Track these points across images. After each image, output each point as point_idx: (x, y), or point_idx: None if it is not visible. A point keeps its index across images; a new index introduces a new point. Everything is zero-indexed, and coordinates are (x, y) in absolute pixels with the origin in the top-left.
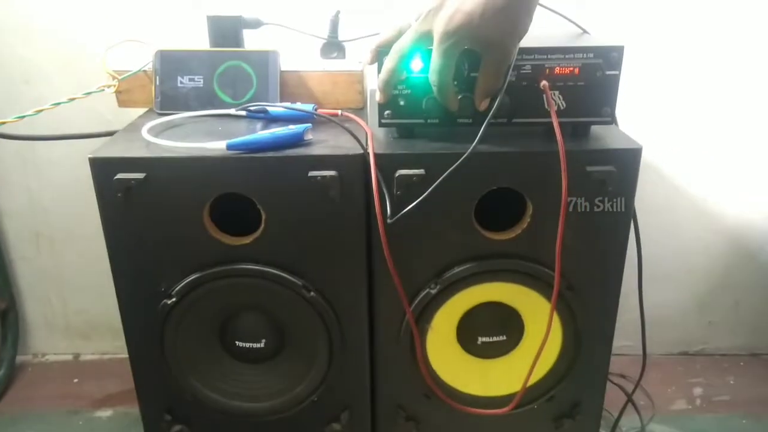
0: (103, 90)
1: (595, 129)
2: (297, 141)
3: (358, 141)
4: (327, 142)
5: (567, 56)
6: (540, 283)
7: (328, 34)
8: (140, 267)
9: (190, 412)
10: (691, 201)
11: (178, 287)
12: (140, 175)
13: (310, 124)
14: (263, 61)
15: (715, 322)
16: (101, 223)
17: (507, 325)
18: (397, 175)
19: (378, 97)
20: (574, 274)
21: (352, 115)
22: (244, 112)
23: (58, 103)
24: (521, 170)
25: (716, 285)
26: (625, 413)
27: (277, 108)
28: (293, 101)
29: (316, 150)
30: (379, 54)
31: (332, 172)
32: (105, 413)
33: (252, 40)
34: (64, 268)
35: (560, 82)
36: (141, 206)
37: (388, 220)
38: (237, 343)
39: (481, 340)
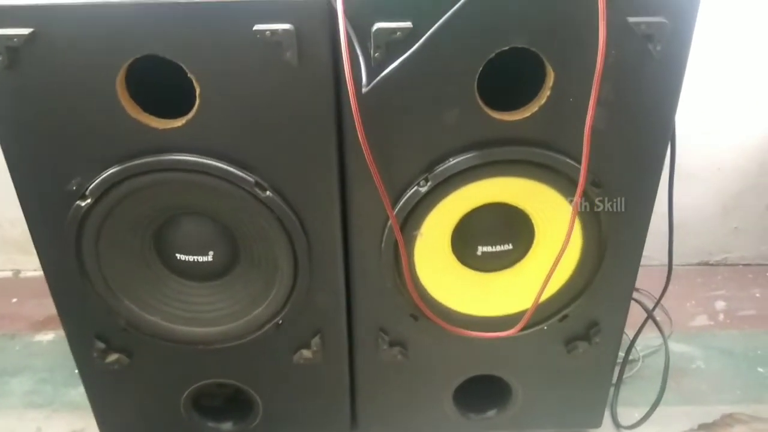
0: None
1: None
2: None
3: None
4: None
5: None
6: (558, 178)
7: None
8: (42, 158)
9: (128, 338)
10: (728, 88)
11: (93, 185)
12: (25, 31)
13: None
14: None
15: (742, 228)
16: None
17: (513, 231)
18: (374, 29)
19: None
20: (603, 166)
21: None
22: None
23: None
24: (539, 23)
25: (747, 186)
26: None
27: None
28: None
29: None
30: None
31: (286, 26)
32: (45, 336)
33: None
34: None
35: None
36: (32, 75)
37: (363, 89)
38: (178, 256)
39: (481, 249)
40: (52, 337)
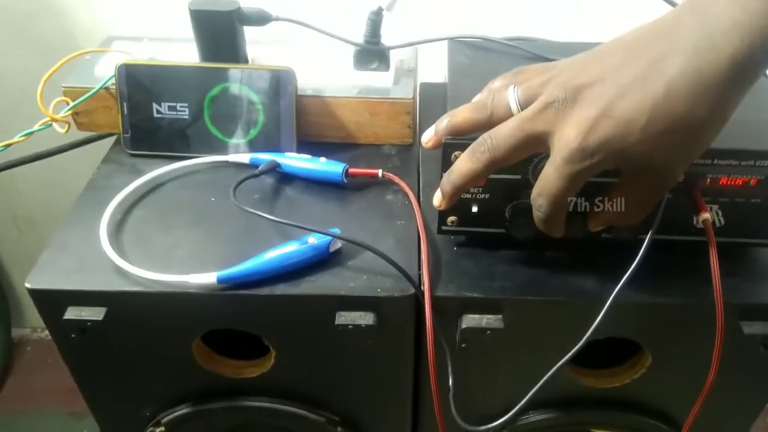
0: (50, 125)
1: (751, 251)
2: (319, 259)
3: (407, 277)
4: (362, 257)
5: (743, 163)
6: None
7: (366, 38)
8: (117, 400)
9: None
10: None
11: (167, 418)
12: (98, 312)
13: (338, 230)
14: (273, 82)
15: None
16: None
17: None
18: (463, 326)
19: (438, 200)
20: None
21: (397, 180)
22: (247, 159)
23: None
24: (645, 321)
25: None
26: None
27: (293, 161)
28: (315, 134)
29: (346, 280)
30: (450, 148)
31: (369, 320)
32: None
33: (258, 47)
34: None
35: (724, 197)
36: (106, 345)
37: (454, 415)
38: None
39: None
40: None
